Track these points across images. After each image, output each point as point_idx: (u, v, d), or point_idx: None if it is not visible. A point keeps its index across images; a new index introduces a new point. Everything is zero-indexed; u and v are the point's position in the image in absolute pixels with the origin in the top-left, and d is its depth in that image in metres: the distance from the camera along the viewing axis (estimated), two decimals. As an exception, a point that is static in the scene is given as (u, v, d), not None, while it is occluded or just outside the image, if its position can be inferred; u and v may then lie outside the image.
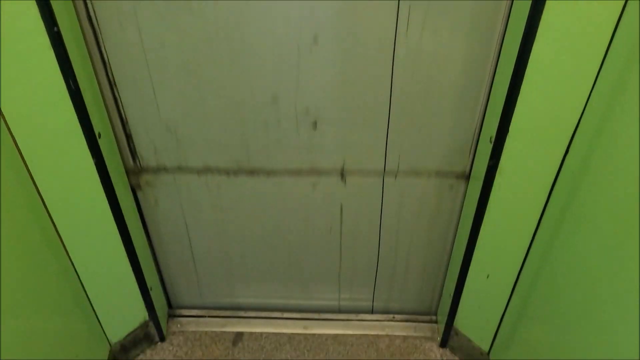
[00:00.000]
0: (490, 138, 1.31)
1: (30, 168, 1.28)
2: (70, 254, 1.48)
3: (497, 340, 1.71)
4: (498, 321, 1.67)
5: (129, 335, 1.80)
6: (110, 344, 1.76)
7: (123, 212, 1.48)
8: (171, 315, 2.01)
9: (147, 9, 1.23)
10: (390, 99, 1.38)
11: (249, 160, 1.52)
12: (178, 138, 1.47)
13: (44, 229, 1.36)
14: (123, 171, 1.51)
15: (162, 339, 1.92)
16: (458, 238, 1.66)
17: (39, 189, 1.32)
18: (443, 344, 1.91)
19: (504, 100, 1.21)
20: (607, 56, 1.08)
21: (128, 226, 1.52)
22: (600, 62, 1.09)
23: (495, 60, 1.29)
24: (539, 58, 1.11)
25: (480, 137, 1.41)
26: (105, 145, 1.36)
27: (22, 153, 1.25)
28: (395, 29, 1.26)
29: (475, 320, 1.74)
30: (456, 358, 1.89)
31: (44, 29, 1.10)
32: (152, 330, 1.86)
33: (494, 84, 1.31)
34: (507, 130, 1.24)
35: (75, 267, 1.51)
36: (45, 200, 1.35)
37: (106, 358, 1.72)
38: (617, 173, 1.03)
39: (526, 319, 1.48)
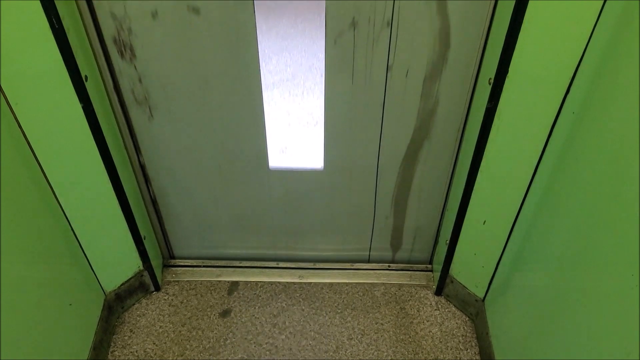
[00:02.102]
0: (489, 79, 1.27)
1: (17, 115, 1.24)
2: (60, 202, 1.45)
3: (492, 287, 1.71)
4: (494, 268, 1.67)
5: (123, 284, 1.79)
6: (105, 293, 1.76)
7: (114, 159, 1.45)
8: (166, 265, 2.01)
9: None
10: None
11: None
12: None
13: (33, 177, 1.33)
14: (112, 115, 1.48)
15: (158, 288, 1.92)
16: (454, 184, 1.65)
17: (27, 136, 1.29)
18: (438, 291, 1.92)
19: (503, 39, 1.17)
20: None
21: (119, 174, 1.49)
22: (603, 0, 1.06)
23: (495, -2, 1.25)
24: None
25: (479, 79, 1.38)
26: (93, 89, 1.32)
27: (8, 99, 1.21)
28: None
29: (470, 268, 1.74)
30: (451, 305, 1.90)
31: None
32: (147, 279, 1.86)
33: (493, 22, 1.27)
34: (507, 71, 1.21)
35: (67, 215, 1.49)
36: (33, 147, 1.31)
37: (101, 307, 1.72)
38: (618, 114, 1.00)
39: (522, 265, 1.47)
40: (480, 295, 1.78)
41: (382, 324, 1.84)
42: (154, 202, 1.80)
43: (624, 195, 0.96)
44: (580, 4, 1.06)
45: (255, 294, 1.93)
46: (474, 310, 1.83)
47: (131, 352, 1.74)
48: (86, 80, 1.28)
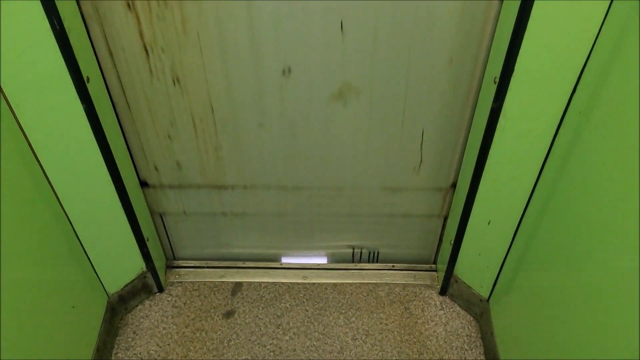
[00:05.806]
0: (495, 79, 1.26)
1: (18, 117, 1.23)
2: (63, 204, 1.45)
3: (497, 287, 1.70)
4: (498, 268, 1.66)
5: (126, 286, 1.79)
6: (108, 295, 1.75)
7: (116, 161, 1.44)
8: (169, 267, 2.00)
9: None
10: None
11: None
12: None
13: (35, 179, 1.33)
14: (114, 117, 1.47)
15: (161, 289, 1.91)
16: (459, 184, 1.64)
17: (28, 137, 1.28)
18: (443, 291, 1.91)
19: (509, 38, 1.16)
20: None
21: (122, 176, 1.48)
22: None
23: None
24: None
25: (484, 78, 1.36)
26: (95, 90, 1.31)
27: (9, 101, 1.20)
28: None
29: (475, 268, 1.73)
30: (455, 305, 1.89)
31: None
32: (150, 281, 1.85)
33: (499, 21, 1.26)
34: (512, 71, 1.20)
35: (69, 217, 1.48)
36: (35, 149, 1.30)
37: (104, 309, 1.71)
38: (624, 114, 0.99)
39: (527, 265, 1.46)
40: (485, 295, 1.77)
41: (386, 324, 1.83)
42: (157, 202, 1.79)
43: (629, 195, 0.95)
44: (587, 3, 1.05)
45: (259, 294, 1.92)
46: (478, 310, 1.82)
47: (134, 353, 1.73)
48: (88, 82, 1.27)
